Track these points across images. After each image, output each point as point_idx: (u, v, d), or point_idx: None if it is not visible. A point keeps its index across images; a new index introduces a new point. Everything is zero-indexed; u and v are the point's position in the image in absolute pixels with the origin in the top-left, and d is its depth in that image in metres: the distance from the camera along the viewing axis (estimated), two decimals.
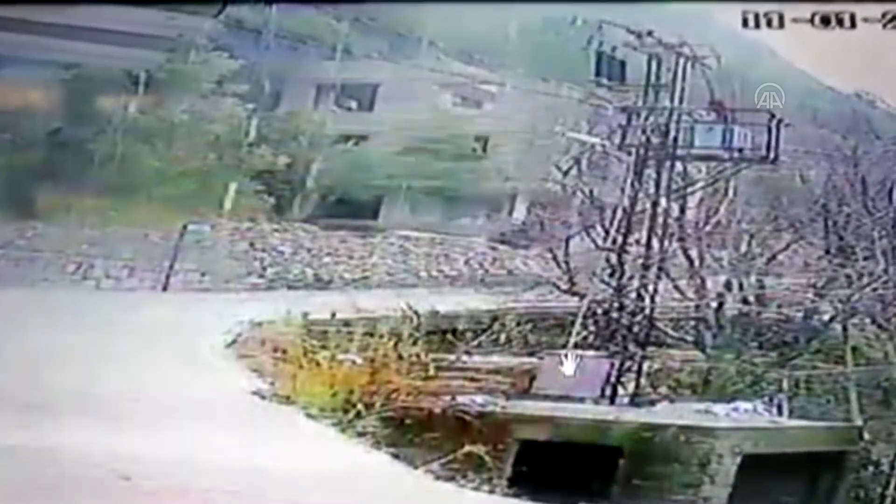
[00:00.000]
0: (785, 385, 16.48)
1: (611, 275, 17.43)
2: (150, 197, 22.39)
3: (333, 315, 16.85)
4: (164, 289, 21.24)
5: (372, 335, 15.41)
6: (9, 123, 22.04)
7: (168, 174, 22.69)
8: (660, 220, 17.55)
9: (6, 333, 13.37)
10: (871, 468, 16.27)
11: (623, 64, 18.37)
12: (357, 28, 23.10)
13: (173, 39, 22.89)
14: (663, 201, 17.66)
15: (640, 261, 17.32)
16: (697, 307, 18.13)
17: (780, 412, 16.02)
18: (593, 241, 18.88)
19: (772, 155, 17.57)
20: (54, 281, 20.75)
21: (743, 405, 15.90)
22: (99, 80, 22.67)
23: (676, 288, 18.31)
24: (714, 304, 18.18)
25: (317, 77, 25.37)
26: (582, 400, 15.78)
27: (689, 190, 18.69)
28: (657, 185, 17.67)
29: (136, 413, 11.25)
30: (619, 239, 17.51)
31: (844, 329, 17.54)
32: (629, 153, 17.93)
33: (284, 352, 15.21)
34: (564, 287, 19.11)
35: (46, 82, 22.33)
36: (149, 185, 22.56)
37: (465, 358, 16.80)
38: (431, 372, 15.29)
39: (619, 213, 17.68)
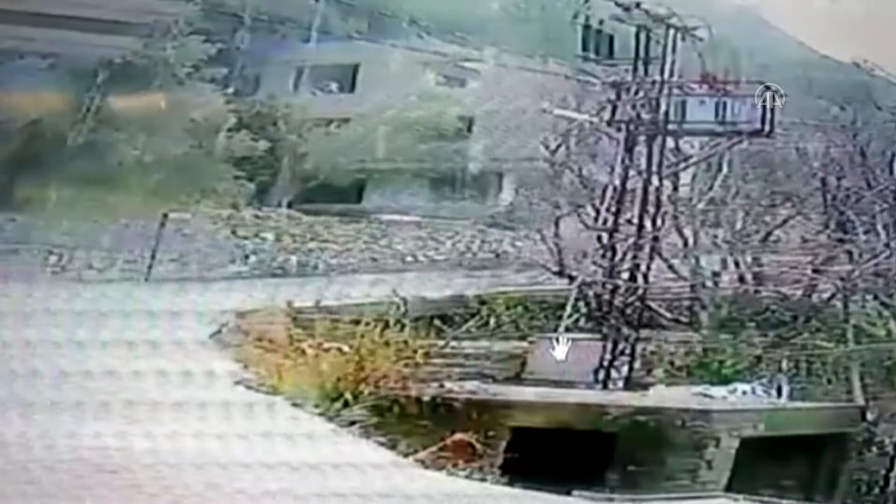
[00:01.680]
0: (784, 365, 16.13)
1: (602, 255, 17.02)
2: (130, 186, 21.92)
3: (318, 302, 16.48)
4: (146, 279, 20.79)
5: (358, 322, 15.07)
6: None
7: (147, 162, 22.20)
8: (652, 198, 17.11)
9: None
10: (874, 449, 15.93)
11: (611, 38, 17.88)
12: (336, 8, 22.59)
13: (149, 25, 22.31)
14: (655, 179, 17.20)
15: (633, 240, 16.90)
16: (692, 287, 17.72)
17: (779, 394, 15.68)
18: (583, 221, 18.43)
19: (767, 128, 17.10)
20: (34, 273, 20.28)
21: (741, 387, 15.57)
22: (76, 68, 22.13)
23: (670, 268, 17.89)
24: (710, 284, 17.76)
25: (296, 59, 24.88)
26: (574, 385, 15.43)
27: (682, 166, 18.25)
28: (649, 162, 17.21)
29: (117, 406, 11.05)
30: (611, 218, 17.09)
31: (845, 306, 17.16)
32: (619, 129, 17.47)
33: (269, 341, 14.89)
34: (555, 269, 18.68)
35: (23, 72, 21.78)
36: (128, 174, 22.09)
37: (453, 343, 16.42)
38: (419, 359, 14.94)
39: (610, 191, 17.25)
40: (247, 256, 21.64)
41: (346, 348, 14.53)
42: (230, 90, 23.23)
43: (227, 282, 20.44)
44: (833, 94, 20.44)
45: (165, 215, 21.17)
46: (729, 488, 13.63)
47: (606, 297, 16.71)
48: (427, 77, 24.93)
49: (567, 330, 16.16)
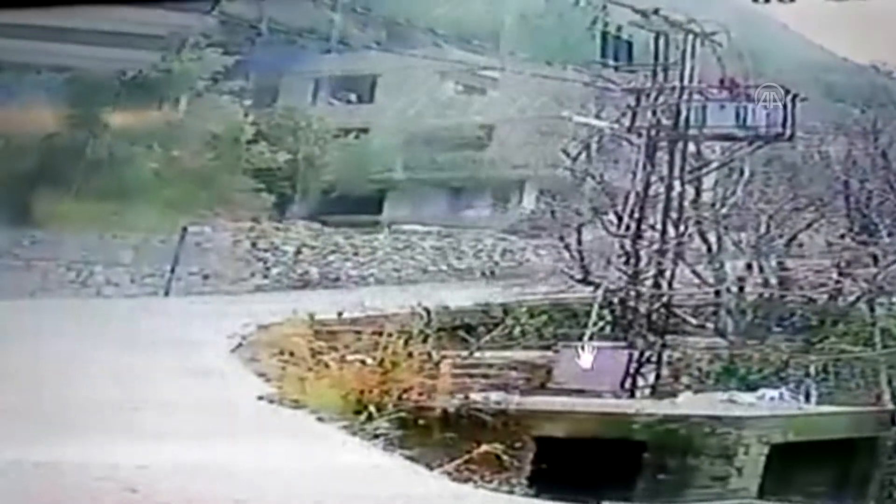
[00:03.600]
0: (812, 370, 15.98)
1: (626, 262, 16.92)
2: (149, 200, 21.93)
3: (340, 314, 16.42)
4: (167, 293, 20.78)
5: (381, 334, 15.00)
6: (2, 130, 21.58)
7: (166, 176, 22.21)
8: (674, 203, 17.04)
9: (6, 344, 13.04)
10: None
11: (629, 44, 17.86)
12: (353, 19, 22.56)
13: (166, 38, 22.33)
14: (677, 184, 17.14)
15: (656, 247, 16.79)
16: (717, 293, 17.59)
17: (807, 399, 15.55)
18: (606, 228, 18.33)
19: (788, 132, 17.04)
20: (53, 289, 20.33)
21: (769, 393, 15.43)
22: (93, 82, 22.18)
23: (695, 273, 17.76)
24: (734, 289, 17.62)
25: (314, 70, 24.88)
26: (601, 393, 15.31)
27: (704, 171, 18.15)
28: (670, 168, 17.15)
29: (141, 423, 11.03)
30: (633, 225, 17.01)
31: (871, 309, 17.02)
32: (640, 135, 17.41)
33: (291, 354, 14.85)
34: (578, 277, 18.58)
35: (40, 87, 21.86)
36: (147, 187, 22.10)
37: (477, 354, 16.33)
38: (444, 370, 14.84)
39: (632, 198, 17.17)
40: (267, 269, 21.60)
41: (369, 360, 14.46)
42: (248, 102, 23.21)
43: (248, 295, 20.43)
44: (853, 96, 20.31)
45: (185, 229, 21.17)
46: (760, 495, 13.49)
47: (631, 304, 16.62)
48: (446, 86, 24.88)
49: (592, 338, 16.05)
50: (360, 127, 24.58)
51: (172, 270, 20.83)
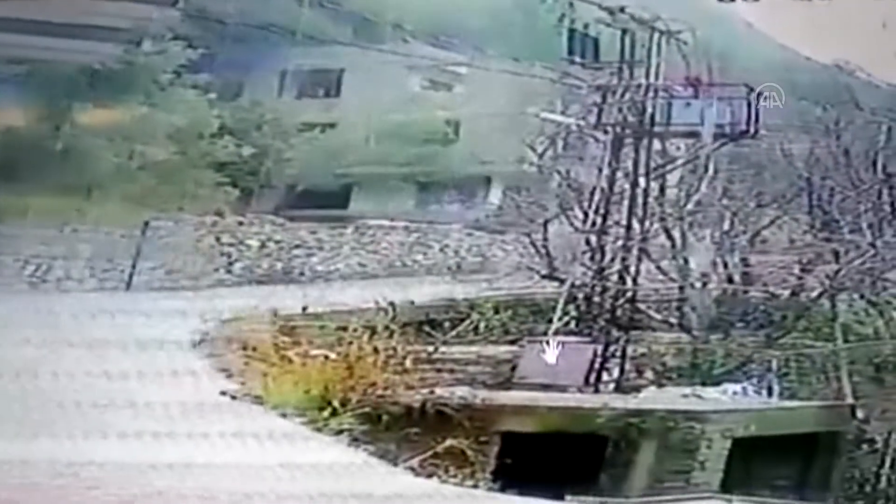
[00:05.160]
0: (774, 365, 16.11)
1: (591, 258, 16.98)
2: (110, 194, 21.63)
3: (304, 309, 16.30)
4: (128, 288, 20.52)
5: (345, 329, 14.91)
6: None
7: (128, 169, 21.92)
8: (639, 199, 17.11)
9: None
10: (865, 447, 15.95)
11: (596, 41, 17.93)
12: (320, 13, 22.43)
13: (129, 30, 22.05)
14: (642, 181, 17.22)
15: (621, 242, 16.85)
16: (681, 288, 17.70)
17: (770, 393, 15.68)
18: (572, 223, 18.38)
19: (752, 129, 17.18)
20: (12, 284, 19.98)
21: (732, 387, 15.55)
22: (54, 75, 21.81)
23: (659, 269, 17.86)
24: (698, 285, 17.75)
25: (280, 64, 24.70)
26: (565, 388, 15.33)
27: (669, 168, 18.26)
28: (635, 165, 17.22)
29: (100, 420, 10.90)
30: (599, 221, 17.07)
31: (833, 305, 17.21)
32: (605, 132, 17.48)
33: (254, 349, 14.72)
34: (544, 272, 18.62)
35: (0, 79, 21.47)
36: (108, 181, 21.79)
37: (443, 349, 16.29)
38: (409, 365, 14.79)
39: (598, 194, 17.23)
40: (231, 263, 21.41)
41: (333, 355, 14.36)
42: (213, 96, 22.97)
43: (211, 289, 20.25)
44: (816, 95, 20.54)
45: (147, 223, 20.91)
46: (722, 489, 13.58)
47: (596, 299, 16.67)
48: (413, 81, 24.84)
49: (557, 333, 16.08)
50: (327, 121, 24.46)
51: (134, 265, 20.57)
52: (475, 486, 12.27)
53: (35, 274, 20.45)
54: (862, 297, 17.68)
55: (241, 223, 21.94)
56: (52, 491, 8.47)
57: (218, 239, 21.52)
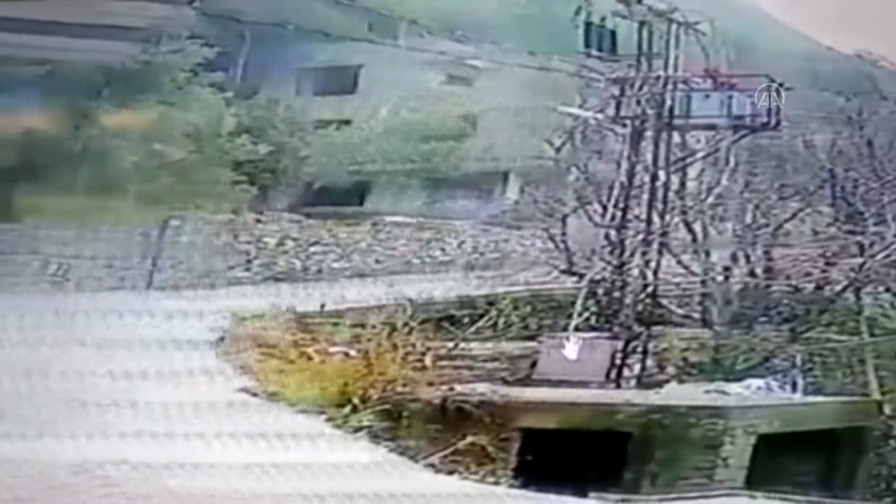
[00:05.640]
0: (798, 360, 15.90)
1: (611, 252, 16.82)
2: (130, 193, 21.67)
3: (323, 307, 16.25)
4: (147, 287, 20.56)
5: (364, 326, 14.84)
6: None
7: (146, 168, 21.95)
8: (659, 193, 16.95)
9: None
10: (892, 442, 15.70)
11: (613, 33, 17.79)
12: (336, 10, 22.36)
13: (147, 30, 22.08)
14: (662, 174, 17.05)
15: (641, 237, 16.68)
16: (703, 282, 17.50)
17: (794, 389, 15.48)
18: (591, 218, 18.22)
19: (773, 121, 16.98)
20: (33, 283, 20.07)
21: (755, 383, 15.34)
22: (73, 75, 21.88)
23: (680, 263, 17.66)
24: (720, 279, 17.54)
25: (296, 62, 24.65)
26: (586, 384, 15.20)
27: (689, 161, 18.06)
28: (655, 158, 17.05)
29: (120, 418, 10.90)
30: (618, 215, 16.90)
31: (858, 299, 16.97)
32: (624, 125, 17.31)
33: (273, 347, 14.67)
34: (563, 267, 18.46)
35: (20, 80, 21.55)
36: (127, 180, 21.83)
37: (462, 345, 16.19)
38: (428, 361, 14.71)
39: (617, 187, 17.06)
40: (249, 261, 21.40)
41: (352, 352, 14.31)
42: (230, 94, 22.97)
43: (230, 287, 20.26)
44: (838, 85, 20.25)
45: (166, 221, 20.94)
46: (747, 485, 13.41)
47: (616, 294, 16.51)
48: (429, 77, 24.73)
49: (577, 329, 15.94)
50: (343, 118, 24.40)
51: (153, 264, 20.60)
52: (496, 483, 12.18)
53: (56, 273, 20.54)
54: (888, 290, 17.43)
55: (258, 221, 21.93)
56: (68, 490, 8.45)
57: (236, 237, 21.52)
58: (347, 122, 24.52)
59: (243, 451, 10.29)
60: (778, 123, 17.11)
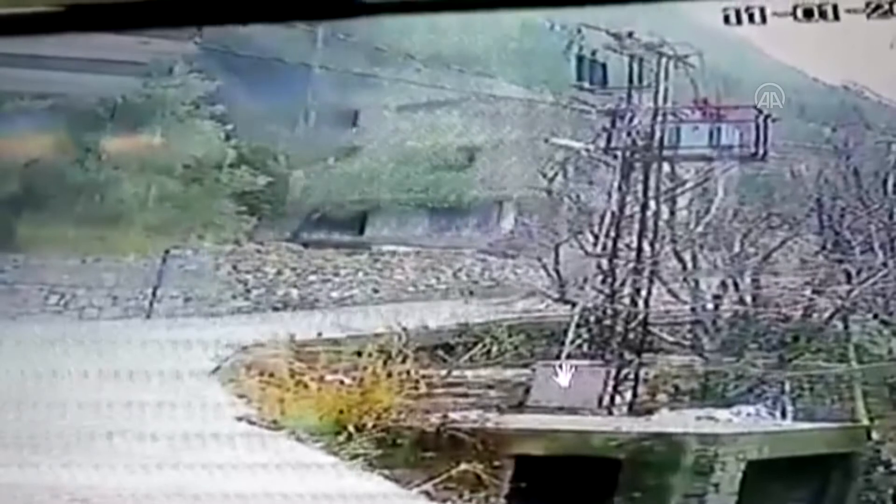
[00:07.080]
0: (787, 387, 16.11)
1: (602, 281, 17.09)
2: (131, 224, 21.99)
3: (320, 335, 16.49)
4: (148, 316, 20.82)
5: (360, 354, 15.07)
6: None
7: (148, 200, 22.28)
8: (650, 223, 17.24)
9: None
10: (881, 469, 15.86)
11: (604, 66, 18.12)
12: (334, 44, 22.80)
13: (148, 64, 22.52)
14: (652, 204, 17.35)
15: (632, 265, 16.97)
16: (693, 310, 17.77)
17: (783, 415, 15.68)
18: (583, 247, 18.52)
19: (761, 151, 17.29)
20: (36, 313, 20.33)
21: (745, 409, 15.55)
22: (76, 108, 22.27)
23: (670, 291, 17.94)
24: (710, 307, 17.82)
25: (296, 95, 25.04)
26: (579, 411, 15.41)
27: (679, 191, 18.38)
28: (645, 188, 17.37)
29: (119, 446, 11.06)
30: (609, 244, 17.19)
31: (846, 326, 17.18)
32: (615, 157, 17.65)
33: (271, 375, 14.91)
34: (555, 296, 18.73)
35: (23, 113, 21.94)
36: (129, 212, 22.16)
37: (456, 373, 16.42)
38: (423, 389, 14.93)
39: (608, 217, 17.36)
40: (248, 291, 21.67)
41: (348, 380, 14.54)
42: (230, 126, 23.33)
43: (229, 317, 20.49)
44: (825, 116, 20.59)
45: (167, 252, 21.22)
46: None
47: (608, 322, 16.76)
48: (427, 109, 25.09)
49: (570, 356, 16.17)
50: (342, 149, 24.72)
51: (154, 293, 20.87)
52: None
53: (58, 303, 20.80)
54: (875, 317, 17.65)
55: (258, 251, 22.22)
56: None
57: (235, 267, 21.81)
58: (347, 154, 24.85)
59: (244, 479, 10.45)
60: (766, 154, 17.42)
